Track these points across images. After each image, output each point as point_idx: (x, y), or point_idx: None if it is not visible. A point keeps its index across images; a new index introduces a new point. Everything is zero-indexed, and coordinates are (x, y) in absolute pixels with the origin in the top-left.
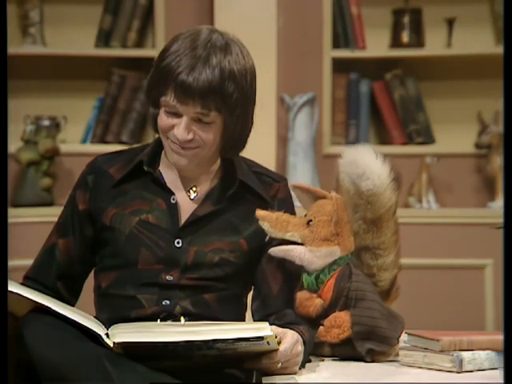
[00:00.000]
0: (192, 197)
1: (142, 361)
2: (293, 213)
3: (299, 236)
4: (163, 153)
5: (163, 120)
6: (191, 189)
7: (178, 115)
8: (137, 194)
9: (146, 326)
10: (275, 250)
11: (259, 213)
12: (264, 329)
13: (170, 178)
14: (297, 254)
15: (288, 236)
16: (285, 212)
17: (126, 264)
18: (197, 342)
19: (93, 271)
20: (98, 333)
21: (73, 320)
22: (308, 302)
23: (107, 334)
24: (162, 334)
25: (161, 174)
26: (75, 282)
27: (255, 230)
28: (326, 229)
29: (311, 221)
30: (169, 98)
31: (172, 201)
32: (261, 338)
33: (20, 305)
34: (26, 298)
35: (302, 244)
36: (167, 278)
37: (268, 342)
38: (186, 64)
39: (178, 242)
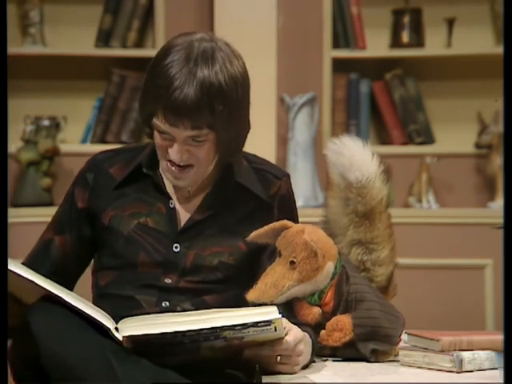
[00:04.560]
0: (188, 201)
1: (150, 356)
2: (293, 210)
3: (294, 284)
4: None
5: (158, 141)
6: (188, 193)
7: (171, 136)
8: (137, 196)
9: (154, 318)
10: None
11: (249, 297)
12: (272, 312)
13: (168, 182)
14: (301, 293)
15: (286, 292)
16: (285, 210)
17: (124, 265)
18: (205, 329)
19: (90, 270)
20: (108, 326)
21: (82, 311)
22: (306, 311)
23: (116, 328)
24: (171, 325)
25: (161, 177)
26: (67, 281)
27: (254, 231)
28: (312, 262)
29: (293, 262)
30: (159, 122)
31: (170, 205)
32: (269, 323)
33: (29, 292)
34: (37, 285)
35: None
36: (166, 280)
37: (275, 328)
38: (174, 86)
39: (176, 247)
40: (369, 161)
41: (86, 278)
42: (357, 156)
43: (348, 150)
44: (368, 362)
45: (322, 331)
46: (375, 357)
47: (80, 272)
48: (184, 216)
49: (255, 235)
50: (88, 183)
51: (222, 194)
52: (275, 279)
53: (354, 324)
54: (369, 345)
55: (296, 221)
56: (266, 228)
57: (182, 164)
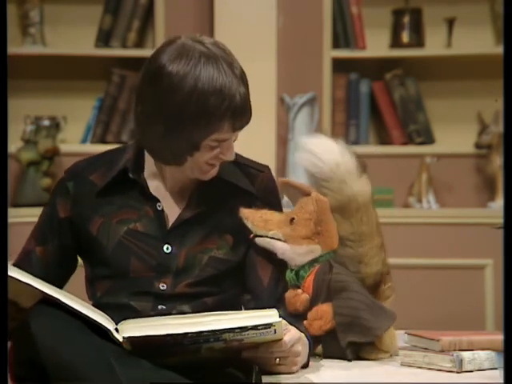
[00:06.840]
0: (175, 201)
1: (150, 357)
2: (278, 201)
3: (281, 234)
4: (146, 161)
5: (209, 155)
6: (175, 193)
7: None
8: (123, 202)
9: (155, 320)
10: (260, 240)
11: (243, 212)
12: (272, 315)
13: (154, 184)
14: (279, 248)
15: (271, 234)
16: (270, 201)
17: (117, 274)
18: (205, 332)
19: (84, 279)
20: (108, 327)
21: (82, 313)
22: (294, 298)
23: (116, 329)
24: (171, 327)
25: (145, 181)
26: None
27: (240, 223)
28: (307, 228)
29: (294, 219)
30: (224, 132)
31: (158, 208)
32: (269, 326)
33: (27, 296)
34: (36, 288)
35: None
36: (160, 286)
37: (275, 331)
38: (232, 91)
39: (168, 248)
40: (333, 158)
41: (83, 282)
42: (324, 154)
43: (316, 147)
44: (349, 359)
45: (304, 321)
46: (353, 352)
47: (63, 281)
48: (172, 216)
49: (286, 180)
50: (69, 192)
51: (207, 192)
52: (270, 219)
53: (335, 312)
54: (347, 337)
55: (280, 211)
56: (298, 183)
57: None
